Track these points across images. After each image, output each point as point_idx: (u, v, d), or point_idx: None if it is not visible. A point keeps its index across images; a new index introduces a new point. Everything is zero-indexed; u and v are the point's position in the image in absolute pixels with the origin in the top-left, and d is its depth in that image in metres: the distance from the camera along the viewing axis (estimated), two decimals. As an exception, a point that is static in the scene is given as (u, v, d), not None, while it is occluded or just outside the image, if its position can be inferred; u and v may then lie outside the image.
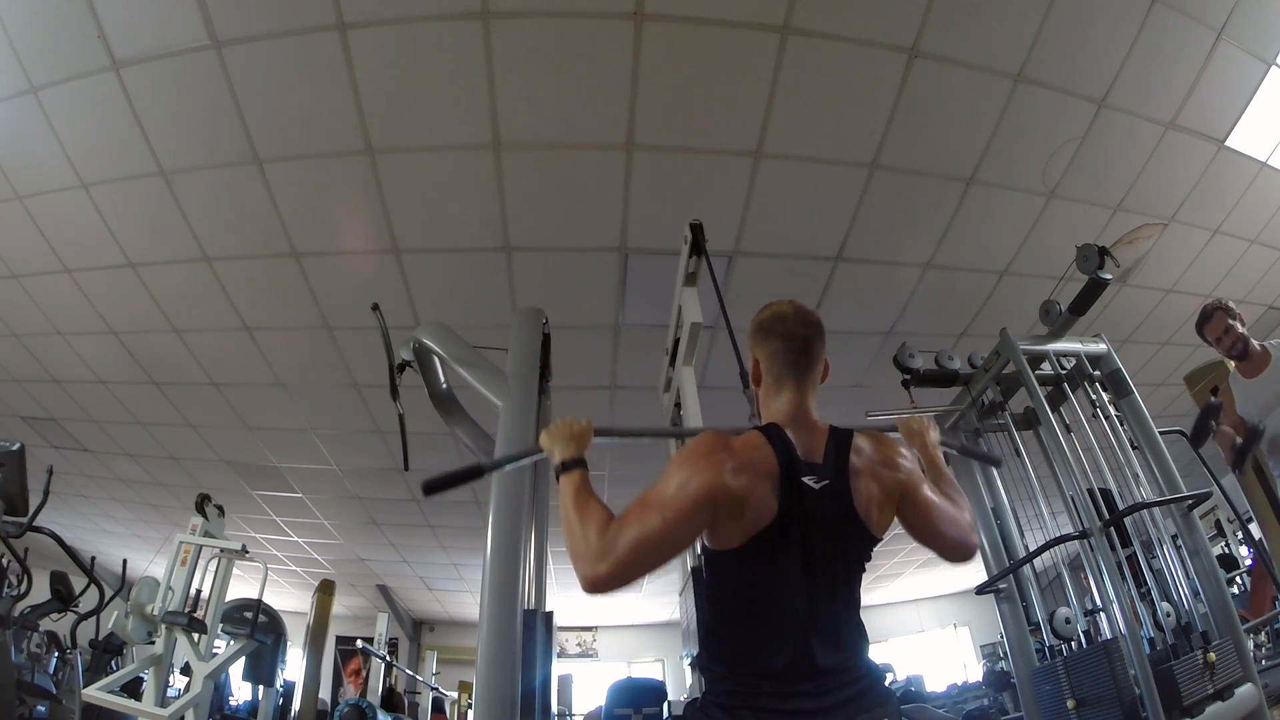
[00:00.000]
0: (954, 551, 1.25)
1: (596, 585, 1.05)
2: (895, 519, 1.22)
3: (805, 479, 1.12)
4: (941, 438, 1.46)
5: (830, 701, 1.08)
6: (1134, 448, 2.63)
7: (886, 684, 1.18)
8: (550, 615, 1.99)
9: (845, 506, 1.13)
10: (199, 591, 3.81)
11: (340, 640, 8.84)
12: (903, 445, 1.29)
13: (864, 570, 1.19)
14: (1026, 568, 2.68)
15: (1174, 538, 2.48)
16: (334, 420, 5.03)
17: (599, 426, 1.33)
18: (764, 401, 1.27)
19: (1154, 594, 2.34)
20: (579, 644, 11.12)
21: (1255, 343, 2.89)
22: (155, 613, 3.47)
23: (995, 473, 2.97)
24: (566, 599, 9.57)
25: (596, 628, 11.16)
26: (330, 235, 3.47)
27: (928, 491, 1.24)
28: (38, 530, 3.44)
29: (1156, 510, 2.49)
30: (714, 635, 1.18)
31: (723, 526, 1.10)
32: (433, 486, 1.34)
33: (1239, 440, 2.87)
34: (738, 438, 1.16)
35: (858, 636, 1.17)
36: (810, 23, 2.60)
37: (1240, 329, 2.88)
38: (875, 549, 1.20)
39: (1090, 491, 2.43)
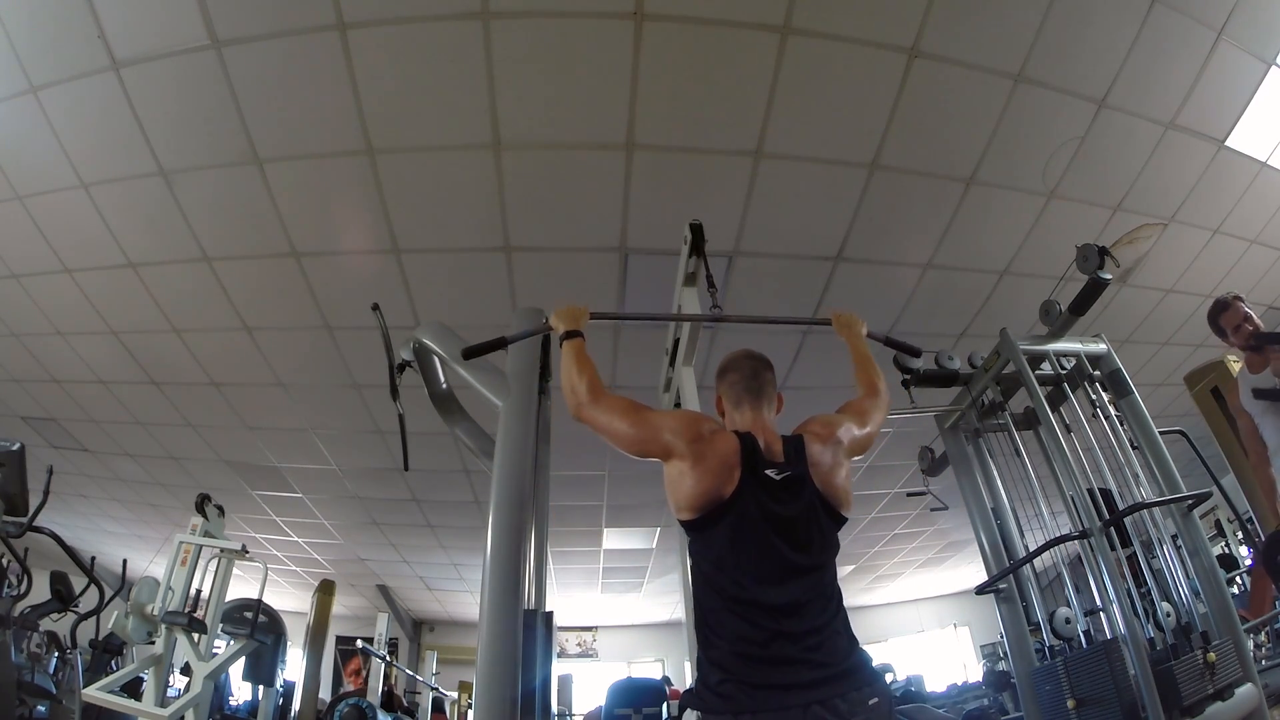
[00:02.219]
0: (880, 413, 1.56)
1: (576, 417, 1.47)
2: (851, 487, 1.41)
3: (767, 471, 1.29)
4: (866, 330, 1.82)
5: (820, 675, 1.15)
6: (1134, 448, 2.62)
7: (874, 667, 1.25)
8: (550, 615, 1.99)
9: (807, 486, 1.30)
10: (199, 591, 3.80)
11: (340, 640, 8.84)
12: (834, 414, 1.50)
13: (837, 550, 1.35)
14: (1026, 568, 2.68)
15: (1174, 538, 2.48)
16: (334, 420, 5.02)
17: (594, 311, 1.75)
18: (728, 426, 1.45)
19: (1154, 594, 2.34)
20: (579, 644, 11.11)
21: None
22: (155, 613, 3.46)
23: (995, 473, 2.97)
24: (566, 599, 9.58)
25: (596, 628, 11.16)
26: (330, 235, 3.47)
27: (849, 421, 1.47)
28: (38, 530, 3.43)
29: (1156, 510, 2.49)
30: (702, 621, 1.28)
31: (676, 482, 1.31)
32: (471, 352, 1.81)
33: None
34: (719, 430, 1.38)
35: (839, 617, 1.26)
36: (810, 23, 2.60)
37: (1257, 319, 2.84)
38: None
39: (1090, 491, 2.43)
